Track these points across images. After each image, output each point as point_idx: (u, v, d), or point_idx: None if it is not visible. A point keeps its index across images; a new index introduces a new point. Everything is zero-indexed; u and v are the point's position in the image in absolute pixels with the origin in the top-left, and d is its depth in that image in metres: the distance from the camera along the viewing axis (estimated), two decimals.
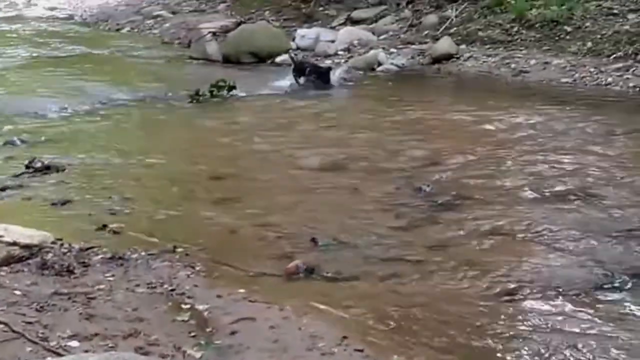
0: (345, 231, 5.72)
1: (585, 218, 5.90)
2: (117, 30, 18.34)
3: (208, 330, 4.15)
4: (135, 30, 18.10)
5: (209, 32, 15.04)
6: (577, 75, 11.41)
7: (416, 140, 8.33)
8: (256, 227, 5.89)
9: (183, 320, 4.26)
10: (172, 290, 4.65)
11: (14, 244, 5.00)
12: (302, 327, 4.21)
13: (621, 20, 12.50)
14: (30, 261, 4.97)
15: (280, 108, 9.75)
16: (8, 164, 7.50)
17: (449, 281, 4.90)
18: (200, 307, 4.42)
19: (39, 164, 7.21)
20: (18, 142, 8.31)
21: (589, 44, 12.22)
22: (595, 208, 6.11)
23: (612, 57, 11.70)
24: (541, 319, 4.41)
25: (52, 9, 21.45)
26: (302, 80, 11.28)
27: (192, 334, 4.11)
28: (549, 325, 4.34)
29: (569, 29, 12.72)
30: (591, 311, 4.46)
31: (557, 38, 12.68)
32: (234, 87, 10.71)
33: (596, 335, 4.23)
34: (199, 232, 5.81)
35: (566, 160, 7.39)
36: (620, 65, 11.38)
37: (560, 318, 4.41)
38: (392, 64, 12.98)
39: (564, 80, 11.39)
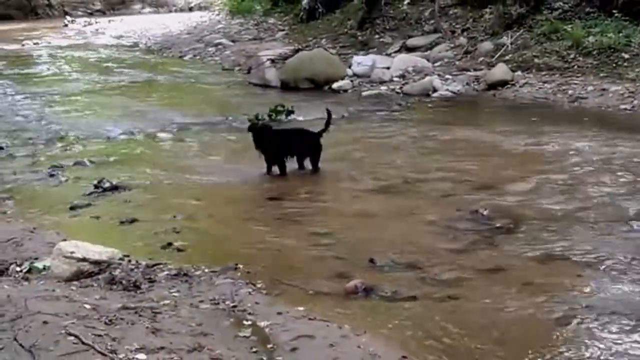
0: (403, 252, 5.79)
1: None
2: (180, 57, 18.81)
3: (269, 346, 4.22)
4: (198, 57, 18.54)
5: (268, 59, 15.31)
6: (635, 102, 11.28)
7: (473, 164, 8.36)
8: (315, 246, 6.01)
9: (245, 336, 4.34)
10: (235, 306, 4.76)
11: (84, 259, 5.20)
12: (361, 345, 4.25)
13: None
14: (99, 276, 5.15)
15: (337, 132, 9.84)
16: (78, 184, 7.80)
17: (506, 304, 4.92)
18: (262, 324, 4.50)
19: (107, 184, 7.49)
20: (87, 163, 8.66)
21: None
22: None
23: None
24: (600, 344, 4.40)
25: (118, 37, 22.13)
26: None
27: (254, 349, 4.18)
28: (609, 350, 4.32)
29: (626, 55, 12.60)
30: None
31: (614, 65, 12.57)
32: (292, 112, 10.90)
33: None
34: (259, 251, 5.94)
35: (623, 187, 7.32)
36: None
37: (620, 343, 4.39)
38: (447, 90, 13.02)
39: (622, 107, 11.27)
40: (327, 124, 8.22)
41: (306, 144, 8.20)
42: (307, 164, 8.26)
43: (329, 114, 8.33)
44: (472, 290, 5.16)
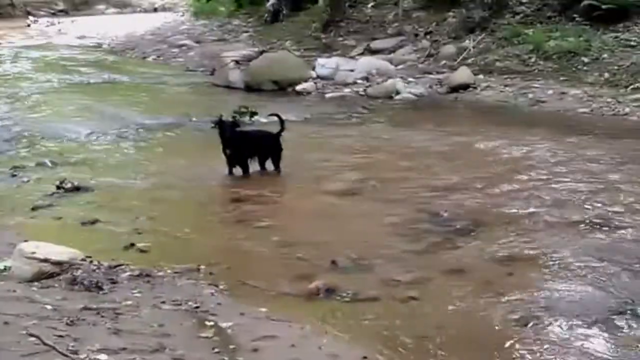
0: (365, 254, 5.84)
1: (602, 245, 5.98)
2: (144, 58, 18.70)
3: (231, 347, 4.24)
4: (161, 58, 18.46)
5: (232, 61, 15.29)
6: (594, 105, 11.50)
7: (434, 167, 8.47)
8: (277, 248, 6.04)
9: (207, 337, 4.36)
10: (197, 307, 4.78)
11: (45, 260, 5.17)
12: (322, 346, 4.30)
13: (639, 51, 12.63)
14: (60, 277, 5.13)
15: (300, 134, 9.90)
16: (39, 185, 7.73)
17: (466, 305, 4.99)
18: (224, 325, 4.53)
19: (69, 185, 7.45)
20: (49, 164, 8.57)
21: (606, 75, 12.35)
22: (611, 235, 6.18)
23: (629, 88, 11.82)
24: (558, 344, 4.48)
25: (81, 37, 21.94)
26: None
27: (216, 350, 4.19)
28: (566, 350, 4.40)
29: (586, 60, 12.86)
30: (608, 337, 4.53)
31: (574, 69, 12.82)
32: (255, 113, 10.91)
33: None
34: (222, 252, 5.97)
35: (582, 189, 7.46)
36: (638, 96, 11.49)
37: (577, 344, 4.48)
38: (410, 92, 13.14)
39: (581, 110, 11.48)
40: (282, 124, 8.27)
41: (267, 145, 8.24)
42: (269, 165, 8.30)
43: (279, 116, 8.36)
44: (433, 291, 5.23)
